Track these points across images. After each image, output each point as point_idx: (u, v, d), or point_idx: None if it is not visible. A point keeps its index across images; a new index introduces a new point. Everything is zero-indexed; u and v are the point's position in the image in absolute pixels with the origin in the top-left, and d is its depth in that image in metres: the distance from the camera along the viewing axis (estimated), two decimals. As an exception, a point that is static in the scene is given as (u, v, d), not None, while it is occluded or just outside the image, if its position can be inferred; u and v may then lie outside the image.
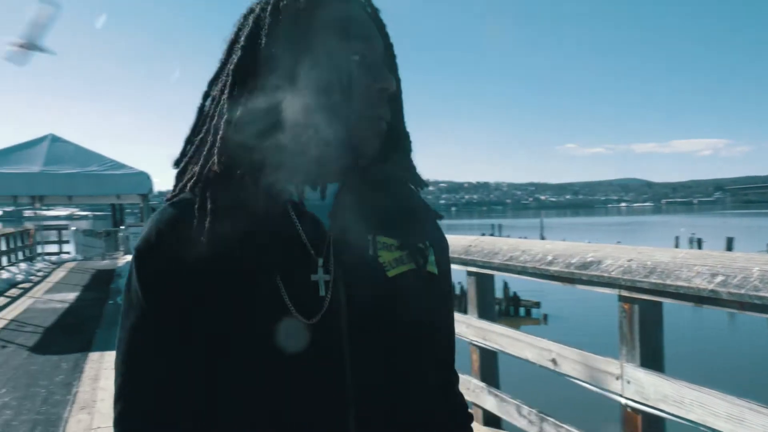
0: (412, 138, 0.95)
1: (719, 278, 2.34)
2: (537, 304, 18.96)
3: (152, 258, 0.82)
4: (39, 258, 19.00)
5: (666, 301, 2.66)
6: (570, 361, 3.12)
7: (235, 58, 0.84)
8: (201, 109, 0.89)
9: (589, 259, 3.07)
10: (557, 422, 3.22)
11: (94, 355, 6.44)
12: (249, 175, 0.82)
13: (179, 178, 0.88)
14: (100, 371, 5.77)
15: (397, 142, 0.91)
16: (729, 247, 30.32)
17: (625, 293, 2.81)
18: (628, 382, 2.75)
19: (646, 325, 2.79)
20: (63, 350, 6.69)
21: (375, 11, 0.91)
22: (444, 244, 1.01)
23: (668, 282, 2.53)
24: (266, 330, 0.79)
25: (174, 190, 0.87)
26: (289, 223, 0.84)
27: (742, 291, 2.20)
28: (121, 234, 22.25)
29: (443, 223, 1.02)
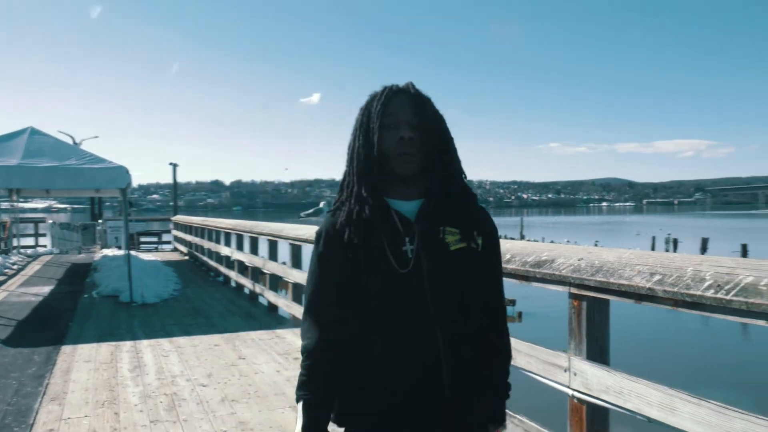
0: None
1: (657, 277, 2.48)
2: (512, 302, 19.12)
3: (325, 238, 1.53)
4: (14, 251, 18.84)
5: (611, 299, 2.80)
6: (523, 355, 3.24)
7: (353, 142, 1.57)
8: (346, 162, 1.59)
9: (543, 258, 3.20)
10: (510, 412, 3.35)
11: (66, 348, 6.47)
12: (371, 198, 1.50)
13: (338, 196, 1.58)
14: (72, 363, 5.82)
15: (440, 164, 1.56)
16: (704, 247, 30.76)
17: (574, 290, 2.93)
18: (575, 374, 2.87)
19: (594, 320, 2.92)
20: (35, 343, 6.71)
21: (416, 93, 1.57)
22: (491, 231, 1.61)
23: (612, 280, 2.66)
24: (380, 274, 1.47)
25: (334, 204, 1.57)
26: (392, 220, 1.50)
27: (675, 289, 2.34)
28: (98, 228, 22.16)
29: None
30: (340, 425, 1.56)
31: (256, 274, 9.92)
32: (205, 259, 14.73)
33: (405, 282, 1.47)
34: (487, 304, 1.60)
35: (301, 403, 1.49)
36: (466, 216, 1.56)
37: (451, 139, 1.61)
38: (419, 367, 1.46)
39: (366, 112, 1.56)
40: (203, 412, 4.39)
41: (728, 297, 2.12)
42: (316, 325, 1.53)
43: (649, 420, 2.48)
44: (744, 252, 28.69)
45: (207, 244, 14.39)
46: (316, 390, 1.50)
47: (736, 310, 2.11)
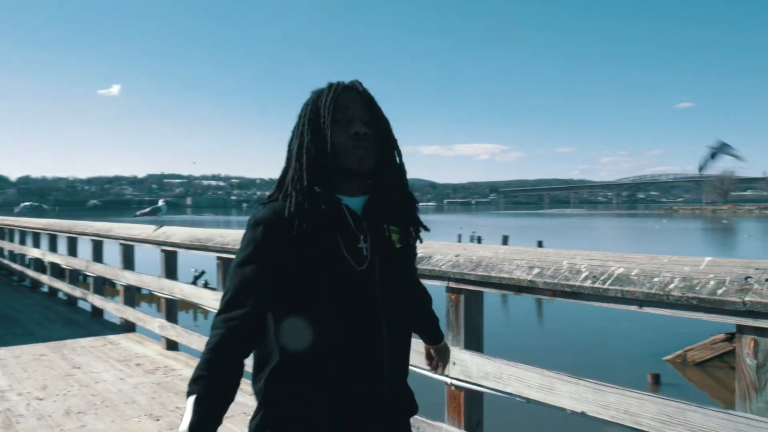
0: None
1: (536, 270, 2.72)
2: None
3: (266, 227, 1.44)
4: None
5: (489, 291, 3.02)
6: (400, 348, 3.38)
7: (298, 138, 1.52)
8: (287, 159, 1.55)
9: (420, 255, 3.36)
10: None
11: None
12: (323, 191, 1.47)
13: (275, 192, 1.54)
14: None
15: (389, 162, 1.57)
16: (505, 243, 33.31)
17: (453, 285, 3.12)
18: (454, 363, 3.05)
19: (471, 312, 3.12)
20: None
21: (364, 90, 1.57)
22: (418, 228, 1.68)
23: (493, 274, 2.87)
24: (336, 272, 1.45)
25: (269, 198, 1.53)
26: (344, 216, 1.49)
27: (555, 280, 2.59)
28: None
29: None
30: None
31: (75, 277, 9.22)
32: (6, 262, 13.35)
33: (360, 279, 1.47)
34: (415, 289, 1.82)
35: (192, 398, 1.37)
36: (406, 215, 1.61)
37: (396, 138, 1.63)
38: (367, 357, 1.50)
39: (313, 107, 1.53)
40: (48, 427, 4.05)
41: (605, 286, 2.40)
42: (235, 318, 1.43)
43: (528, 401, 2.72)
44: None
45: (8, 245, 13.05)
46: (213, 386, 1.40)
47: (613, 298, 2.39)
